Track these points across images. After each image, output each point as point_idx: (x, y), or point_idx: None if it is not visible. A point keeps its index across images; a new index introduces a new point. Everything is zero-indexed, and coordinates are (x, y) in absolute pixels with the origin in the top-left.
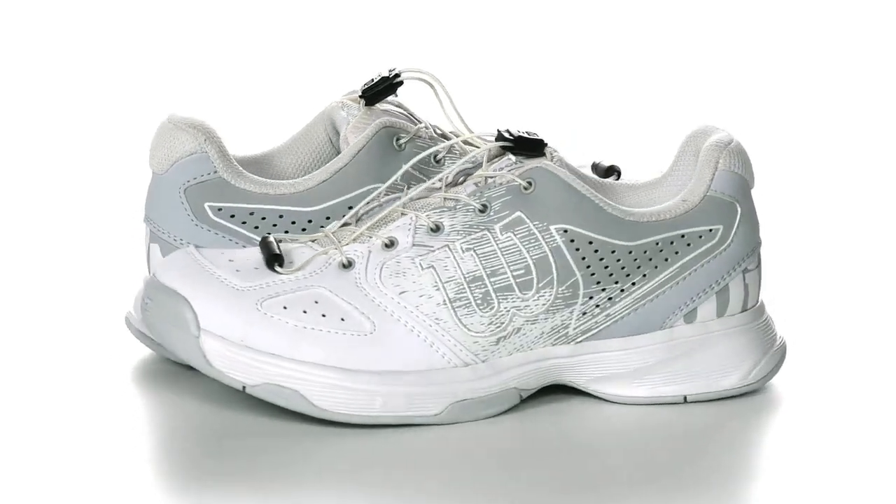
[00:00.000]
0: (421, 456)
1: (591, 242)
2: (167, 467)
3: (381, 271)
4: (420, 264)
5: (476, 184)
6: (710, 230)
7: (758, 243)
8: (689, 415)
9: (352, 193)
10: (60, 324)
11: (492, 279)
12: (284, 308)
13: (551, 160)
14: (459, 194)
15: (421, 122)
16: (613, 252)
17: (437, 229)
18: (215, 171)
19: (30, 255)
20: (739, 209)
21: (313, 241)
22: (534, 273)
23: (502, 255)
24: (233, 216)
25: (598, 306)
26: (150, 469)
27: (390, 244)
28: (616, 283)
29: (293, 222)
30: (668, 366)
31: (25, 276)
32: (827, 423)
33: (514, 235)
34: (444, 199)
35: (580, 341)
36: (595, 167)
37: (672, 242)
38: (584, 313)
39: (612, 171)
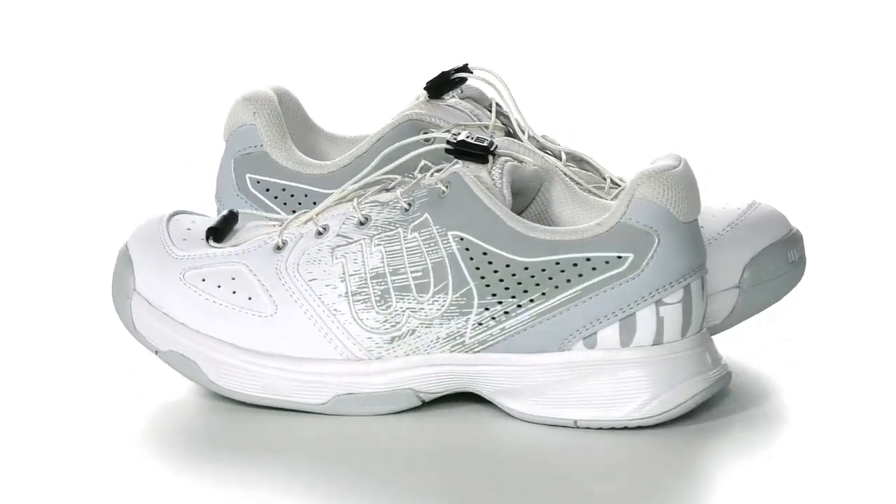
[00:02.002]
0: (310, 445)
1: (485, 253)
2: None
3: (302, 257)
4: (335, 254)
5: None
6: (619, 257)
7: (683, 278)
8: (581, 439)
9: (366, 180)
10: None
11: (392, 278)
12: (202, 280)
13: (489, 169)
14: (398, 191)
15: (487, 122)
16: (508, 266)
17: (364, 222)
18: (261, 145)
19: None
20: (658, 239)
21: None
22: (430, 277)
23: (406, 255)
24: (268, 190)
25: (493, 318)
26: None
27: (323, 231)
28: (513, 297)
29: (314, 203)
30: (562, 387)
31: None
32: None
33: (419, 237)
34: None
35: (478, 351)
36: None
37: (575, 264)
38: (480, 324)
39: None
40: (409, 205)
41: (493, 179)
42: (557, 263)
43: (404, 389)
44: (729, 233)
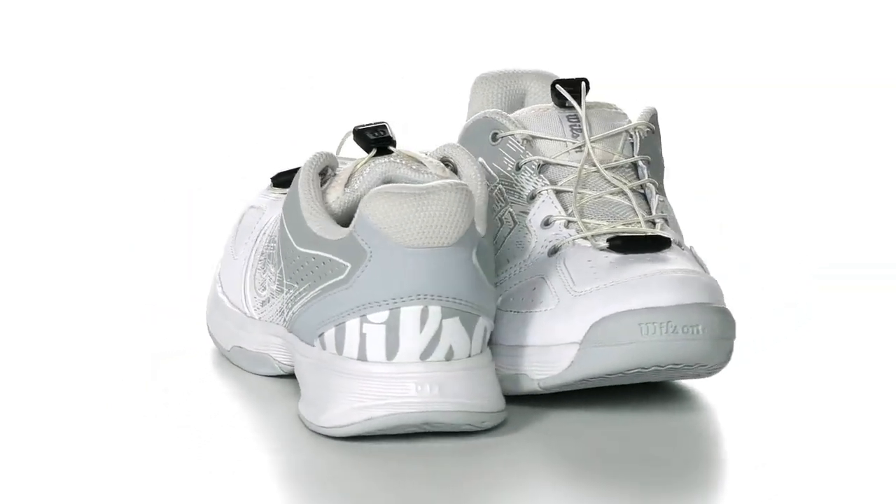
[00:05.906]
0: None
1: (285, 236)
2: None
3: None
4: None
5: None
6: (343, 265)
7: (393, 300)
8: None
9: None
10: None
11: (271, 244)
12: (245, 217)
13: (362, 161)
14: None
15: (570, 140)
16: (291, 251)
17: None
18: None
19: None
20: (370, 257)
21: None
22: (274, 249)
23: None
24: None
25: (291, 300)
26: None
27: None
28: (297, 283)
29: None
30: (305, 381)
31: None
32: None
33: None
34: None
35: (291, 331)
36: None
37: (324, 262)
38: (288, 303)
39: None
40: None
41: (356, 170)
42: (314, 258)
43: (265, 354)
44: (604, 290)
